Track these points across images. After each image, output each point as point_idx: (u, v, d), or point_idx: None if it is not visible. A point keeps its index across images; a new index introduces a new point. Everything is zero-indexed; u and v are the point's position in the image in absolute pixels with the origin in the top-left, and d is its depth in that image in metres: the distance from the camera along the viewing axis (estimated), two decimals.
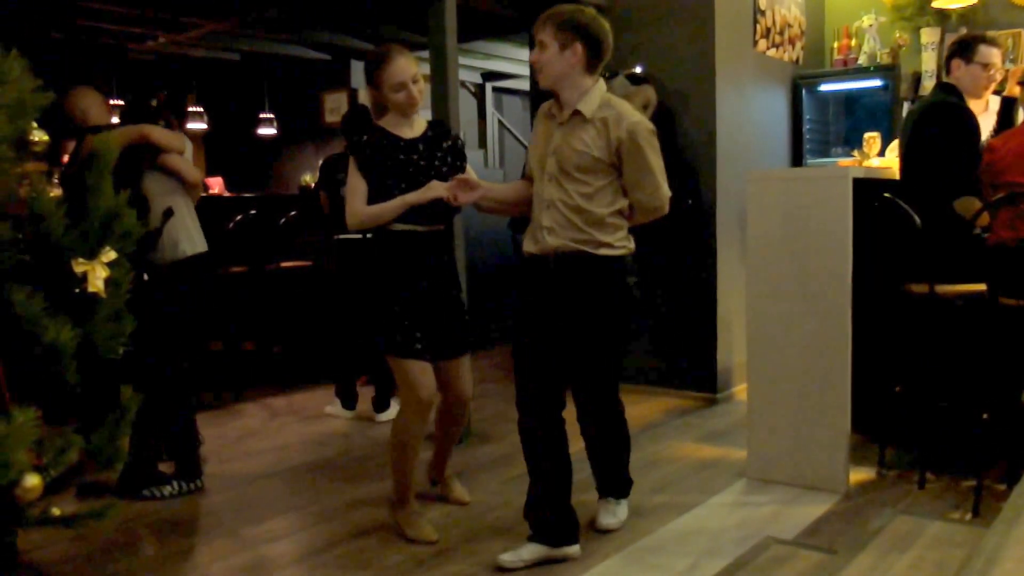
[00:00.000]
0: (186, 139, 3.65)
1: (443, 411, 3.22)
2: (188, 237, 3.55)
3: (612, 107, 2.66)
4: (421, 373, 2.90)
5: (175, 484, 3.50)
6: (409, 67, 2.88)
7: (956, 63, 3.60)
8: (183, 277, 3.53)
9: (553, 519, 2.77)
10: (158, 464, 3.58)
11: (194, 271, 3.57)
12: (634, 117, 2.66)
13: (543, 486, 2.77)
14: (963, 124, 3.47)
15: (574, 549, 2.79)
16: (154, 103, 3.69)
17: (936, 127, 3.52)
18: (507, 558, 2.73)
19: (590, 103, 2.65)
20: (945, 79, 3.68)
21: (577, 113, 2.65)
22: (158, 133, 3.45)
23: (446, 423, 3.27)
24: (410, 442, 2.97)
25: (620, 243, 2.72)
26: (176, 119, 3.77)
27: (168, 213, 3.46)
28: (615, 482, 3.08)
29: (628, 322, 2.83)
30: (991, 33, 5.20)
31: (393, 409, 4.77)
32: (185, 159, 3.59)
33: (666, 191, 2.72)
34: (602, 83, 2.72)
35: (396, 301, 2.91)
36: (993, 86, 3.72)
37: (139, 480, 3.47)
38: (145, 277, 3.42)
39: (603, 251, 2.67)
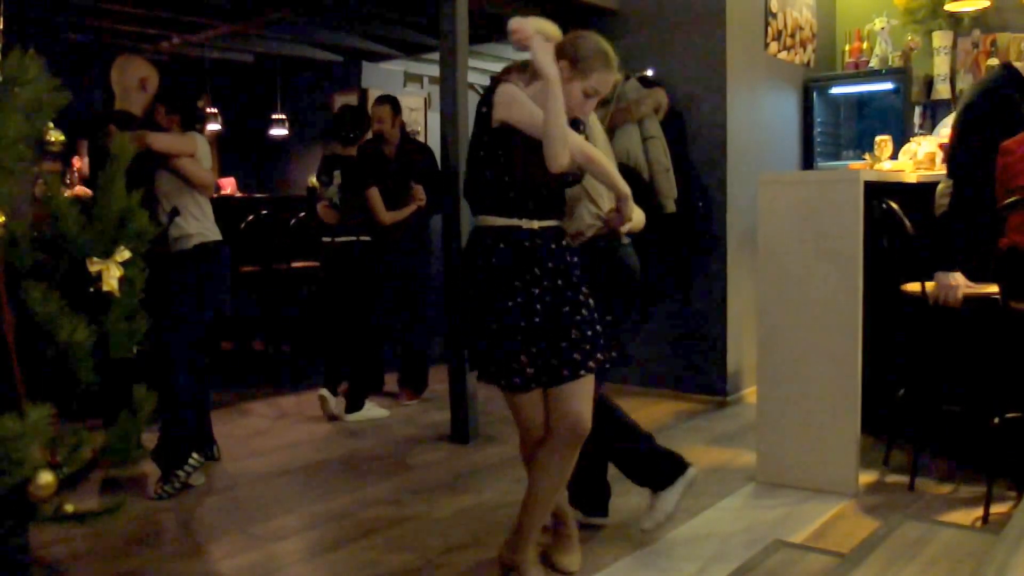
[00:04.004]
0: (199, 138, 3.65)
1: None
2: (198, 229, 3.60)
3: None
4: (528, 405, 2.50)
5: (178, 475, 3.48)
6: (610, 81, 2.53)
7: None
8: (193, 264, 3.57)
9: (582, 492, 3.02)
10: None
11: (203, 258, 3.60)
12: None
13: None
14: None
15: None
16: (201, 103, 3.70)
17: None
18: None
19: None
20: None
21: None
22: (160, 142, 3.44)
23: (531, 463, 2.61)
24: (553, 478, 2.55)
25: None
26: (191, 121, 3.74)
27: (174, 213, 3.52)
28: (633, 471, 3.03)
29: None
30: (1003, 36, 5.21)
31: (368, 409, 4.81)
32: (195, 161, 3.58)
33: None
34: None
35: (500, 317, 2.42)
36: None
37: (173, 455, 3.52)
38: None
39: None
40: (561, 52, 2.44)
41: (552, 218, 2.49)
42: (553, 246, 2.46)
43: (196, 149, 3.60)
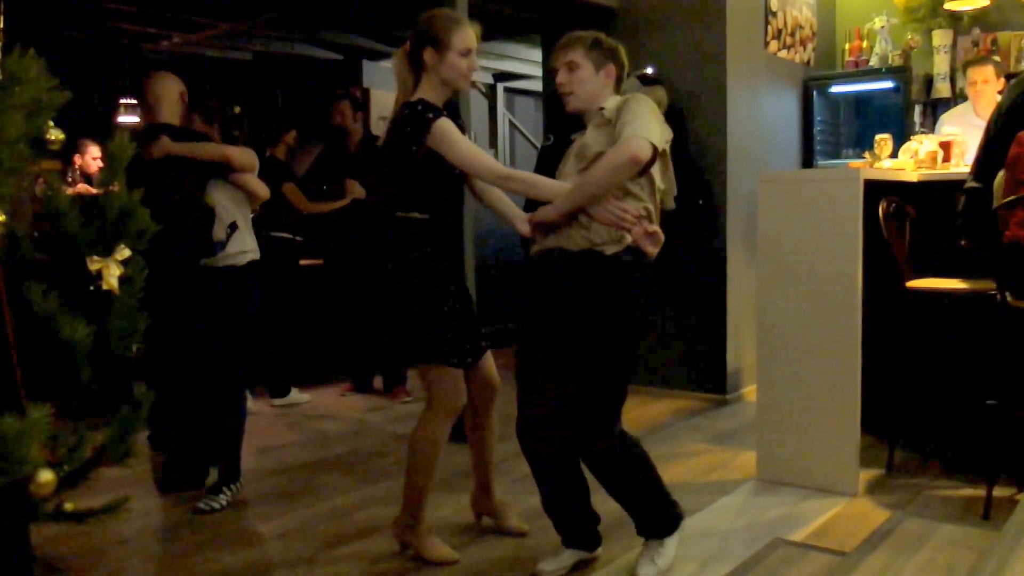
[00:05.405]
0: (254, 153, 3.67)
1: (475, 418, 2.95)
2: (252, 246, 3.60)
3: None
4: (460, 380, 2.77)
5: (227, 491, 3.42)
6: (475, 35, 2.71)
7: None
8: (244, 280, 3.55)
9: (575, 527, 2.75)
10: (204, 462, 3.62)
11: (253, 275, 3.60)
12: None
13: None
14: None
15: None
16: (237, 109, 3.72)
17: None
18: (547, 567, 2.69)
19: (610, 105, 2.60)
20: None
21: (599, 112, 2.60)
22: (239, 157, 3.47)
23: (480, 432, 2.98)
24: (438, 452, 2.80)
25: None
26: (228, 129, 3.79)
27: (233, 227, 3.51)
28: (641, 519, 2.71)
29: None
30: (1004, 34, 5.21)
31: (293, 394, 5.02)
32: (254, 176, 3.61)
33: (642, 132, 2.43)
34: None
35: (443, 303, 2.70)
36: None
37: (182, 476, 3.55)
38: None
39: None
40: (421, 41, 2.67)
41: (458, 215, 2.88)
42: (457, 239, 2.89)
43: (256, 162, 3.61)
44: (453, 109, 2.91)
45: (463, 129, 2.84)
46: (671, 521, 2.68)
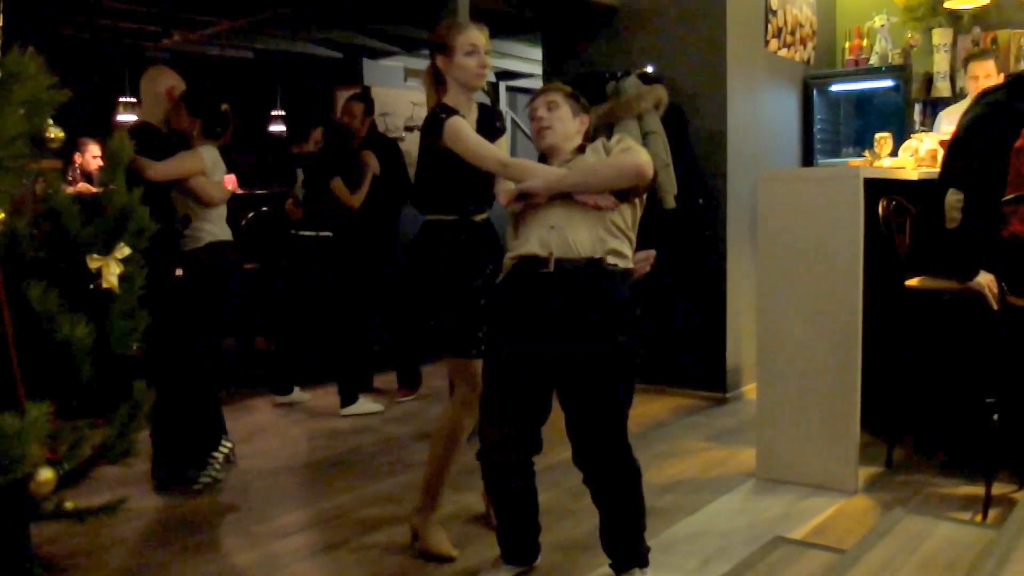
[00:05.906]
0: (204, 152, 3.62)
1: None
2: (210, 231, 3.65)
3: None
4: (479, 371, 2.76)
5: (212, 458, 3.52)
6: (481, 35, 2.82)
7: None
8: (207, 261, 3.63)
9: (522, 544, 2.73)
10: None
11: (216, 256, 3.66)
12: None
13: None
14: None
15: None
16: (225, 107, 3.75)
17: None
18: None
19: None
20: None
21: (580, 149, 2.64)
22: (158, 172, 3.43)
23: None
24: (458, 440, 2.86)
25: None
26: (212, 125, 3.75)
27: (185, 221, 3.58)
28: (625, 543, 2.60)
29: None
30: (1003, 33, 5.21)
31: (362, 403, 4.90)
32: (204, 178, 3.59)
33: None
34: None
35: (465, 296, 2.77)
36: None
37: (170, 473, 3.57)
38: (178, 272, 3.60)
39: None
40: (432, 51, 2.82)
41: (486, 212, 2.90)
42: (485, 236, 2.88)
43: (202, 166, 3.58)
44: (489, 112, 2.97)
45: (500, 131, 2.97)
46: (646, 552, 2.59)
